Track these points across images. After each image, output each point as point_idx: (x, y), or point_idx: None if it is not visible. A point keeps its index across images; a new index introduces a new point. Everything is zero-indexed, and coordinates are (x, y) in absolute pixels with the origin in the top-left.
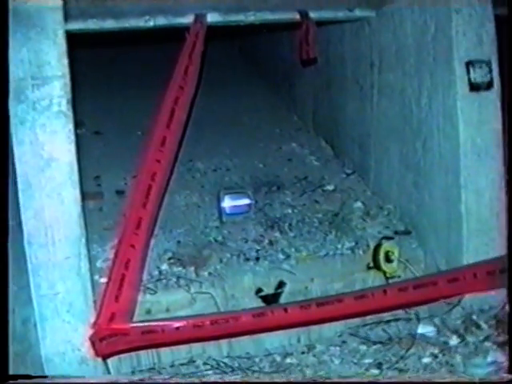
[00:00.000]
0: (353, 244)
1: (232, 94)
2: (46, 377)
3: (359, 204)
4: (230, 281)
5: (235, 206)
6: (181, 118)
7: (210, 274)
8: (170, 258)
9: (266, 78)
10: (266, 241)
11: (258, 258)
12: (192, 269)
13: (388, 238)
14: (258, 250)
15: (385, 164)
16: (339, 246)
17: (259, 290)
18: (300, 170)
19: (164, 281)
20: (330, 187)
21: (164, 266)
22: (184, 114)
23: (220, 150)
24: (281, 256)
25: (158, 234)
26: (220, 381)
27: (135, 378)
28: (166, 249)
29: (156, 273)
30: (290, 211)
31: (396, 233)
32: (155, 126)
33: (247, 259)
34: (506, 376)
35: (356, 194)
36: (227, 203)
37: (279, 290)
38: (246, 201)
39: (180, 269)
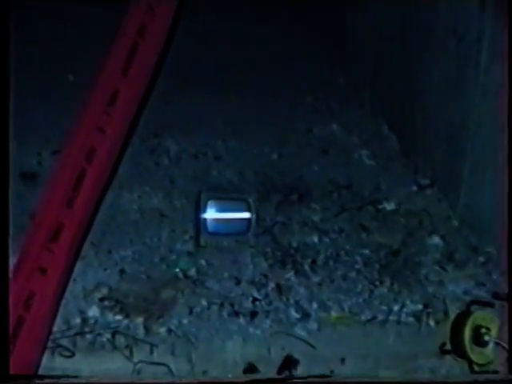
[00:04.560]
0: (419, 307)
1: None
2: (49, 377)
3: (437, 239)
4: (202, 347)
5: (224, 221)
6: (147, 60)
7: (169, 331)
8: (103, 299)
9: (304, 13)
10: (272, 285)
11: (254, 313)
12: (140, 320)
13: (482, 304)
14: (255, 300)
15: (488, 177)
16: (396, 308)
17: (251, 368)
18: (340, 171)
19: (90, 336)
20: (390, 205)
21: (92, 311)
22: (153, 53)
23: (208, 120)
24: (294, 313)
25: (87, 255)
26: (218, 381)
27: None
28: (100, 281)
29: (77, 321)
30: (315, 239)
31: (497, 296)
32: (102, 70)
33: (236, 313)
34: (506, 376)
35: (433, 222)
36: (211, 214)
37: (285, 373)
38: (244, 214)
39: (119, 318)
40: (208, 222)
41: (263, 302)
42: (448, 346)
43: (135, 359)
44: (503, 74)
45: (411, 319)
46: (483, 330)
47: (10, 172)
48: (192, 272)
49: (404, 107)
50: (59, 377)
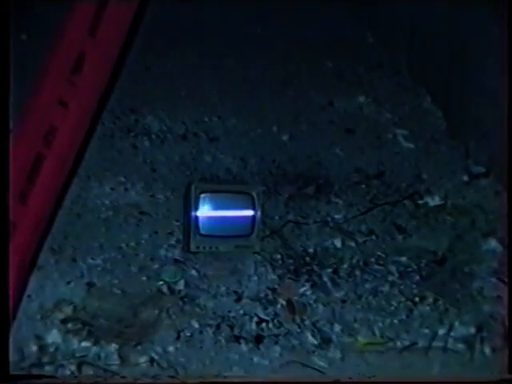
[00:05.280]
0: (471, 330)
1: None
2: (51, 377)
3: (493, 243)
4: (193, 381)
5: (221, 220)
6: (121, 15)
7: (151, 361)
8: (66, 320)
9: None
10: (282, 302)
11: (259, 338)
12: (113, 347)
13: None
14: (261, 321)
15: None
16: (441, 332)
17: None
18: (369, 157)
19: (49, 368)
20: (433, 200)
21: (52, 336)
22: (129, 6)
23: (200, 91)
24: (310, 338)
25: (45, 265)
26: (218, 380)
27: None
28: (62, 298)
29: (33, 348)
30: (338, 242)
31: None
32: (64, 28)
33: (237, 338)
34: (506, 376)
35: (489, 221)
36: (204, 212)
37: None
38: (246, 211)
39: (87, 344)
40: (200, 222)
41: (271, 324)
42: (507, 376)
43: None
44: None
45: (461, 346)
46: None
47: None
48: (180, 285)
49: (451, 74)
50: (35, 377)
